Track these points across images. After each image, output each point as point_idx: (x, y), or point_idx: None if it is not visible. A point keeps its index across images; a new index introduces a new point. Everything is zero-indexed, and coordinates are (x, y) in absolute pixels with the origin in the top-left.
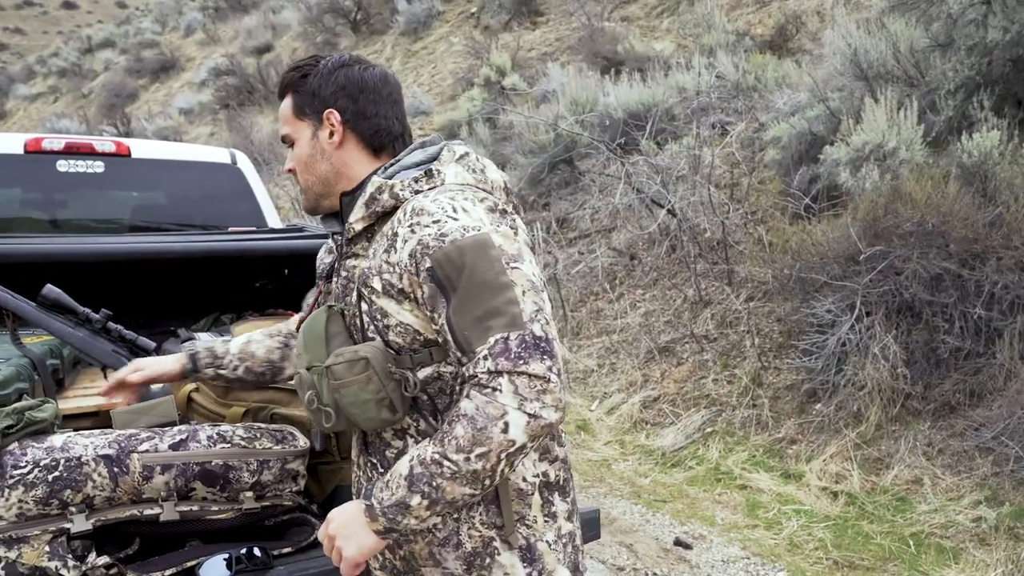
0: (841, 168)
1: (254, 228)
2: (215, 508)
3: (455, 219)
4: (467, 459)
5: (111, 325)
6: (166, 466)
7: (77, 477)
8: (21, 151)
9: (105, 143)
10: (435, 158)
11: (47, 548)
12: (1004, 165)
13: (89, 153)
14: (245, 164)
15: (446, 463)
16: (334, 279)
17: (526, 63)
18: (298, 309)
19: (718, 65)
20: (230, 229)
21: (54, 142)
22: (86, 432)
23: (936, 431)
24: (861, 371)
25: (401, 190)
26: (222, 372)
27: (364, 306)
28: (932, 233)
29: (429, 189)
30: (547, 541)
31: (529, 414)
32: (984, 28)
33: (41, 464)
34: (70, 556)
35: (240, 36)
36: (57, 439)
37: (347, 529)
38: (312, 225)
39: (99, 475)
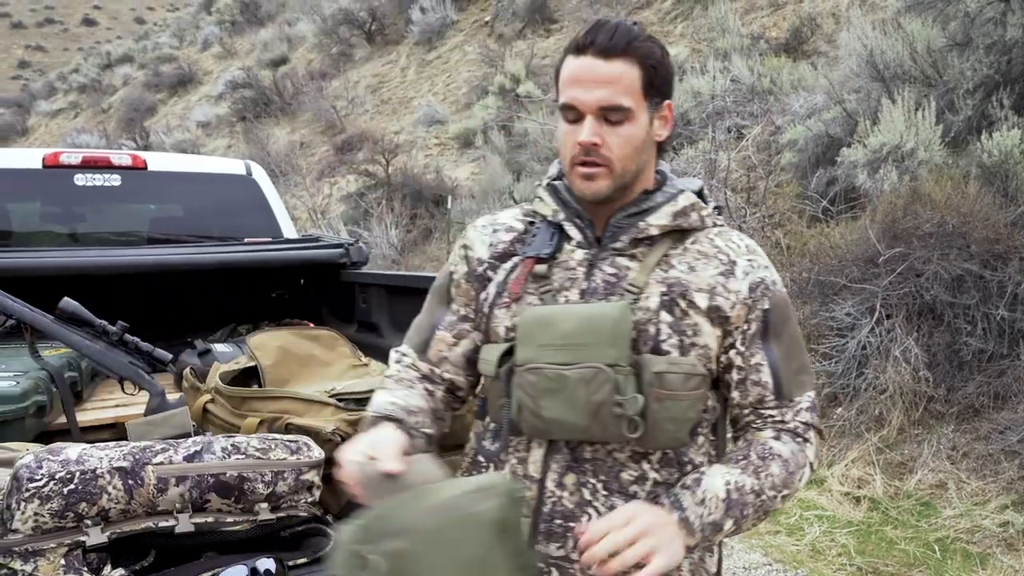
0: (859, 170)
1: (270, 239)
2: (230, 520)
3: (773, 269)
4: (775, 498)
5: (128, 337)
6: (181, 478)
7: (92, 490)
8: (40, 166)
9: (122, 156)
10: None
11: (63, 561)
12: None
13: (106, 167)
14: (260, 175)
15: (763, 497)
16: (580, 271)
17: (540, 70)
18: (314, 319)
19: (733, 69)
20: (246, 240)
21: (72, 156)
22: (101, 445)
23: (960, 434)
24: (882, 374)
25: (707, 216)
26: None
27: (668, 317)
28: (952, 234)
29: (721, 226)
30: None
31: (814, 469)
32: (1003, 26)
33: (56, 477)
34: (85, 569)
35: (256, 49)
36: (72, 452)
37: (664, 533)
38: (328, 235)
39: (114, 487)
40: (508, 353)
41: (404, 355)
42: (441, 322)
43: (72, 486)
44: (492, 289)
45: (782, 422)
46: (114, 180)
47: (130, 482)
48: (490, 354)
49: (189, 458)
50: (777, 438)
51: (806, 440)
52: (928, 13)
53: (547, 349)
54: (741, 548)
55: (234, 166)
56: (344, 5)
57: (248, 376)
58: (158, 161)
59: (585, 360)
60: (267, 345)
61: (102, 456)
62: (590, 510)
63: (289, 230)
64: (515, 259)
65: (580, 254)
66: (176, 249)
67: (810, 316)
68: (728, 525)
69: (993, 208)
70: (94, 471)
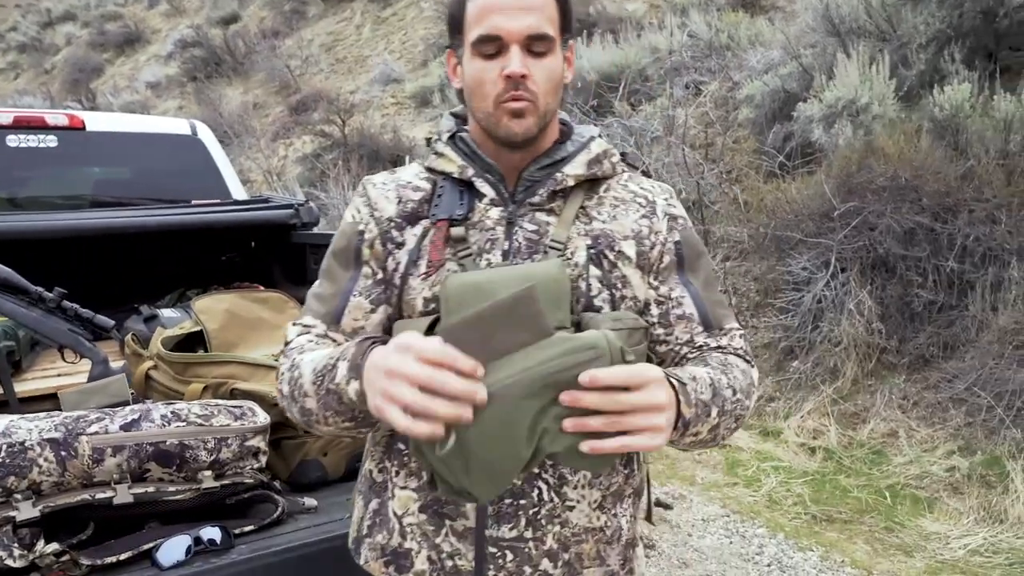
0: (814, 125)
1: (218, 200)
2: (172, 489)
3: (684, 210)
4: (741, 402)
5: (66, 304)
6: (117, 448)
7: (21, 463)
8: None
9: (57, 116)
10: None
11: None
12: (975, 118)
13: (40, 127)
14: (206, 135)
15: (737, 396)
16: (499, 230)
17: None
18: (265, 282)
19: (691, 24)
20: (193, 202)
21: (2, 116)
22: (31, 416)
23: (911, 384)
24: (837, 327)
25: (617, 163)
26: None
27: (596, 271)
28: (905, 188)
29: (627, 172)
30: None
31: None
32: None
33: None
34: (16, 545)
35: (206, 6)
36: None
37: (664, 394)
38: (278, 196)
39: (45, 460)
40: (431, 328)
41: (310, 327)
42: (355, 287)
43: None
44: (403, 256)
45: (720, 348)
46: (50, 141)
47: (62, 453)
48: (408, 330)
49: (126, 427)
50: (725, 355)
51: (749, 363)
52: None
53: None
54: (699, 501)
55: (178, 126)
56: None
57: (195, 341)
58: (97, 121)
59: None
60: (213, 309)
61: (31, 427)
62: (539, 484)
63: (238, 191)
64: (424, 222)
65: (496, 212)
66: (120, 212)
67: (767, 271)
68: (713, 413)
69: (944, 161)
70: (22, 443)
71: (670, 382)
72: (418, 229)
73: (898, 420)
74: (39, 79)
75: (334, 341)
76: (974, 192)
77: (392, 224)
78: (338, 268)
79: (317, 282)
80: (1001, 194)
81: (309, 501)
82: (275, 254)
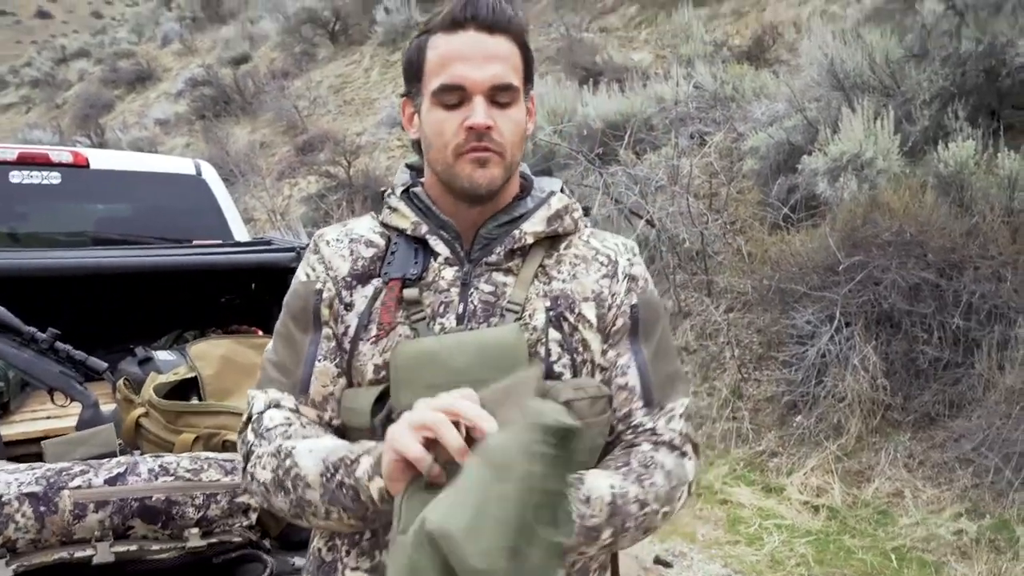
0: (819, 178)
1: (219, 241)
2: (156, 548)
3: (646, 270)
4: (657, 512)
5: (59, 345)
6: (101, 503)
7: None
8: None
9: (62, 153)
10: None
11: None
12: (980, 175)
13: (44, 164)
14: (210, 175)
15: (647, 509)
16: (453, 292)
17: None
18: (265, 325)
19: (696, 75)
20: (194, 242)
21: (6, 152)
22: (11, 467)
23: (916, 442)
24: (841, 382)
25: (579, 218)
26: None
27: (556, 334)
28: (910, 243)
29: (590, 228)
30: None
31: (691, 491)
32: (957, 39)
33: None
34: None
35: (217, 46)
36: None
37: None
38: (280, 238)
39: (23, 515)
40: (382, 398)
41: (276, 403)
42: (317, 351)
43: None
44: (352, 320)
45: (655, 432)
46: (53, 178)
47: (42, 509)
48: (358, 401)
49: (111, 481)
50: (655, 449)
51: (684, 454)
52: (886, 24)
53: (436, 391)
54: (700, 559)
55: (183, 165)
56: (308, 4)
57: (189, 388)
58: (101, 159)
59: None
60: (209, 354)
61: (10, 480)
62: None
63: (240, 232)
64: (375, 282)
65: (451, 272)
66: (119, 251)
67: (770, 324)
68: (606, 535)
69: (949, 218)
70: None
71: None
72: (369, 289)
73: (904, 480)
74: (50, 114)
75: (304, 419)
76: (979, 249)
77: (344, 284)
78: (297, 332)
79: (272, 347)
80: (1007, 252)
81: (299, 561)
82: (275, 297)
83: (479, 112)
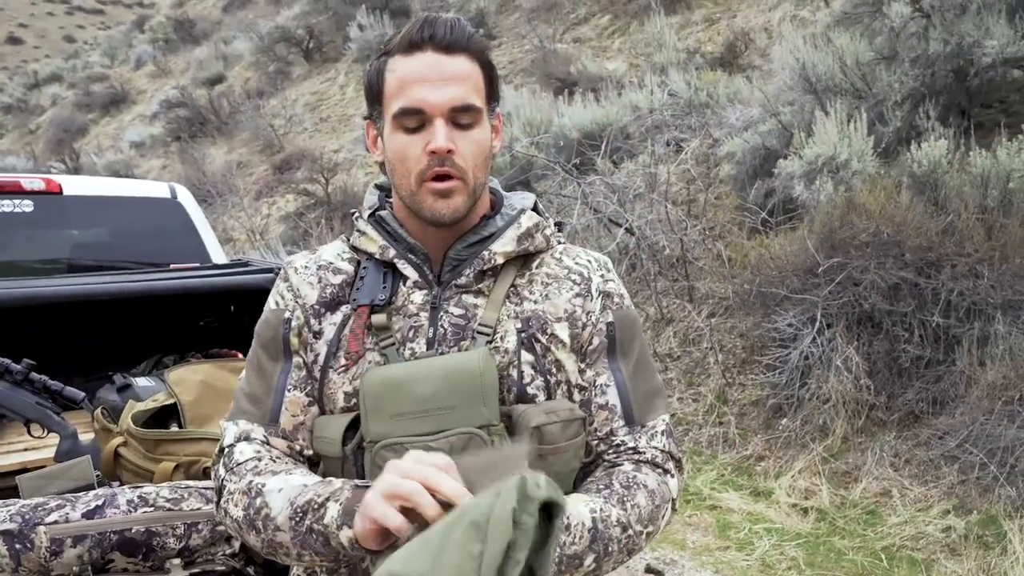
0: (795, 181)
1: (197, 264)
2: None
3: (622, 285)
4: (640, 533)
5: (34, 376)
6: (78, 537)
7: None
8: None
9: (33, 181)
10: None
11: None
12: (953, 174)
13: (16, 191)
14: (186, 198)
15: (630, 531)
16: (423, 316)
17: None
18: (244, 349)
19: (670, 83)
20: (171, 266)
21: None
22: None
23: (902, 441)
24: (825, 384)
25: (551, 235)
26: None
27: (529, 356)
28: (888, 243)
29: (563, 243)
30: None
31: (675, 508)
32: (925, 40)
33: None
34: None
35: (191, 67)
36: None
37: None
38: (258, 259)
39: None
40: (352, 425)
41: (247, 436)
42: (287, 381)
43: None
44: (322, 348)
45: (636, 451)
46: (26, 206)
47: (17, 546)
48: (329, 429)
49: (89, 514)
50: (638, 469)
51: (666, 471)
52: (855, 28)
53: (404, 419)
54: (691, 566)
55: (158, 189)
56: (281, 23)
57: (168, 414)
58: (75, 185)
59: (454, 425)
60: (187, 380)
61: None
62: None
63: (218, 255)
64: (344, 308)
65: (419, 296)
66: (94, 278)
67: (752, 327)
68: (588, 561)
69: (925, 217)
70: None
71: None
72: (337, 316)
73: (890, 479)
74: (24, 139)
75: (273, 451)
76: (955, 247)
77: (312, 312)
78: (266, 360)
79: (244, 377)
80: (982, 248)
81: None
82: (255, 319)
83: (440, 136)
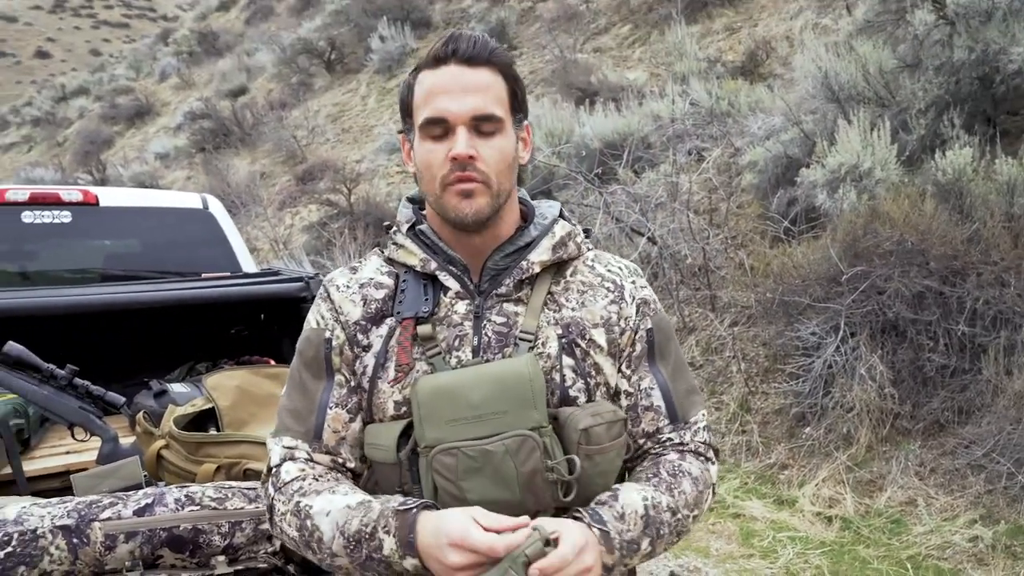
0: (818, 190)
1: (228, 273)
2: (184, 575)
3: (651, 289)
4: (687, 517)
5: (77, 381)
6: (130, 534)
7: (32, 552)
8: None
9: (72, 192)
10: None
11: None
12: (978, 182)
13: (55, 203)
14: (217, 208)
15: (679, 515)
16: (467, 325)
17: None
18: (275, 355)
19: (691, 92)
20: (203, 275)
21: (19, 193)
22: (44, 501)
23: (927, 450)
24: (849, 393)
25: (582, 242)
26: None
27: (570, 360)
28: (912, 251)
29: (592, 250)
30: None
31: (715, 492)
32: (950, 48)
33: None
34: None
35: (215, 79)
36: (10, 511)
37: (592, 556)
38: (288, 268)
39: (57, 548)
40: (405, 432)
41: (291, 455)
42: (330, 399)
43: (9, 549)
44: (370, 360)
45: (682, 444)
46: (64, 217)
47: (75, 541)
48: (382, 437)
49: (139, 512)
50: (682, 458)
51: (708, 459)
52: (878, 36)
53: (459, 424)
54: (715, 573)
55: (190, 200)
56: (303, 35)
57: (206, 419)
58: (110, 196)
59: (507, 428)
60: (224, 386)
61: (43, 514)
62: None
63: (248, 264)
64: (389, 321)
65: (463, 306)
66: (130, 287)
67: (775, 336)
68: (644, 545)
69: (950, 225)
70: (34, 531)
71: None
72: (383, 329)
73: (916, 488)
74: (51, 151)
75: (318, 466)
76: (981, 255)
77: (358, 328)
78: (309, 379)
79: (286, 393)
80: (1008, 257)
81: None
82: (285, 327)
83: (461, 142)
